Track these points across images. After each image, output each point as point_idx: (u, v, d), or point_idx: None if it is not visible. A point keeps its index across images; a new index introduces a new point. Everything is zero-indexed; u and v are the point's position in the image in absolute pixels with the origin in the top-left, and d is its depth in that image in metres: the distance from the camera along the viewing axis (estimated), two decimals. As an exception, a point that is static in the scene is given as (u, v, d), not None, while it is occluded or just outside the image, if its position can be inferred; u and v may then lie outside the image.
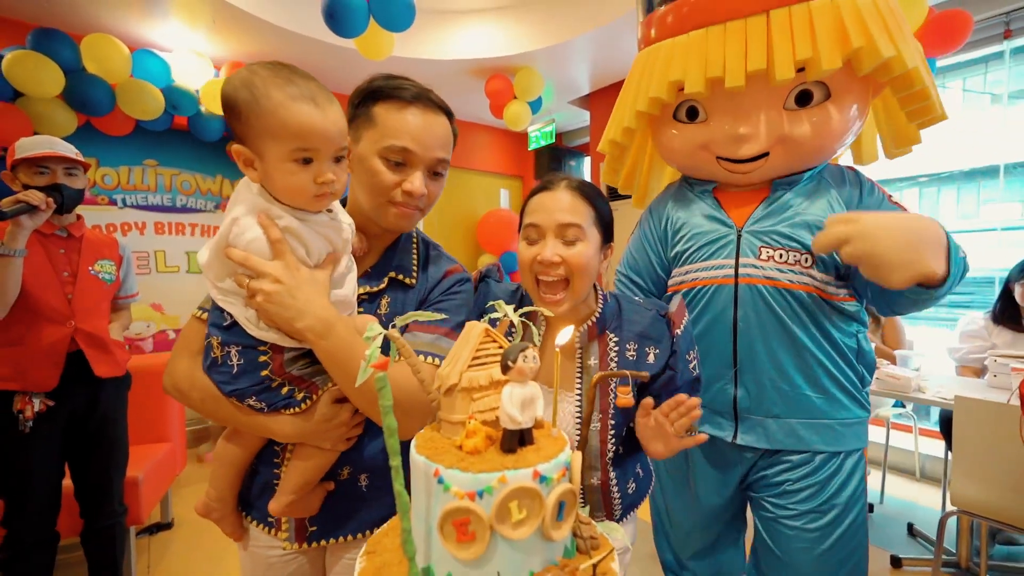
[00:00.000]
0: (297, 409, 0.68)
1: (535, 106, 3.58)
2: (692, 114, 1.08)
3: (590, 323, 0.86)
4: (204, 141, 3.16)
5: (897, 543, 2.08)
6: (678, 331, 0.87)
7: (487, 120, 4.42)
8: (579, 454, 0.46)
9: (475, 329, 0.50)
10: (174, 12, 2.62)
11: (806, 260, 0.99)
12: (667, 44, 1.07)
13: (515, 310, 0.55)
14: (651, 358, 0.85)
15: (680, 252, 1.12)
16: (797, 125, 0.99)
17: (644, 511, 0.92)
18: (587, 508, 0.60)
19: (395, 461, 0.40)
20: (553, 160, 4.99)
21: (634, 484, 0.90)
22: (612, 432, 0.84)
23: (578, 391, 0.84)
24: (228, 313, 0.65)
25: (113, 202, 3.07)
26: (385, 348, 0.59)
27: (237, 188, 0.66)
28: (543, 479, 0.40)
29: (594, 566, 0.44)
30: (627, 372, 0.54)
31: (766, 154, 1.02)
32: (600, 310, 0.87)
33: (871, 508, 2.30)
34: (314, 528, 0.75)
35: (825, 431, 1.01)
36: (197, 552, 2.09)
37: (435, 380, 0.49)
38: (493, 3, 3.15)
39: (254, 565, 0.80)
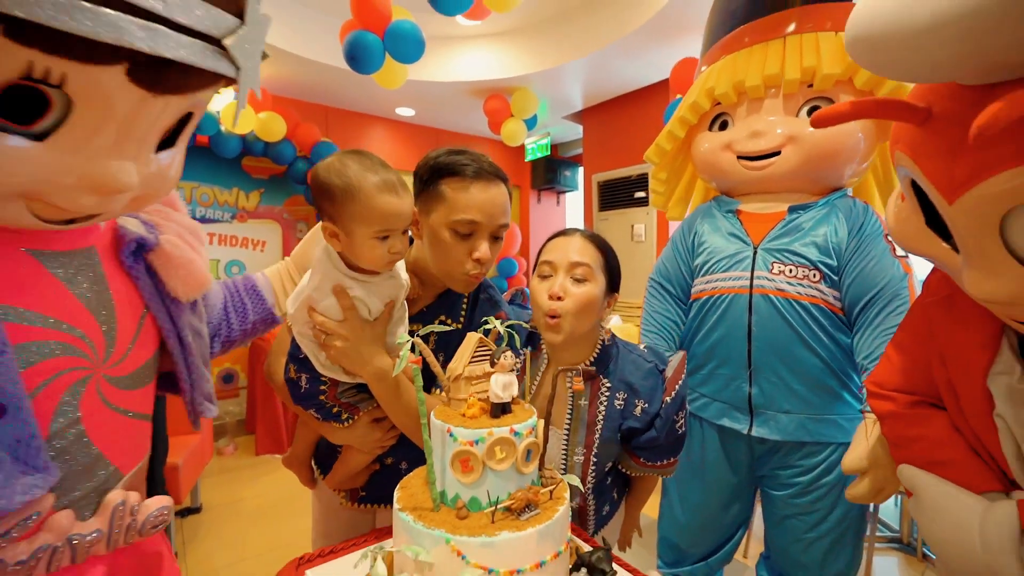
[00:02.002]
0: (342, 425, 0.90)
1: (530, 123, 3.82)
2: (723, 127, 1.28)
3: (586, 363, 0.94)
4: (222, 157, 3.41)
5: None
6: (668, 398, 0.91)
7: (486, 133, 4.66)
8: (542, 421, 0.70)
9: (473, 337, 0.73)
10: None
11: (814, 275, 1.11)
12: (708, 69, 1.31)
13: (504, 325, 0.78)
14: (638, 411, 0.91)
15: (702, 263, 1.26)
16: (805, 127, 1.13)
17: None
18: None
19: (423, 420, 0.64)
20: (548, 170, 5.22)
21: (608, 507, 1.01)
22: (593, 466, 0.93)
23: (566, 429, 0.93)
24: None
25: (138, 214, 3.31)
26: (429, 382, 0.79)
27: (318, 255, 0.83)
28: (516, 433, 0.64)
29: (550, 491, 0.67)
30: (580, 367, 0.76)
31: (779, 151, 1.16)
32: (596, 355, 0.94)
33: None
34: (363, 494, 0.99)
35: (830, 424, 1.14)
36: (223, 535, 2.32)
37: (447, 373, 0.72)
38: (491, 30, 3.39)
39: (321, 507, 1.06)
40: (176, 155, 0.56)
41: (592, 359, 0.94)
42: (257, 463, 3.10)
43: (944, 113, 0.50)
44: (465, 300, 0.98)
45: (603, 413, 0.92)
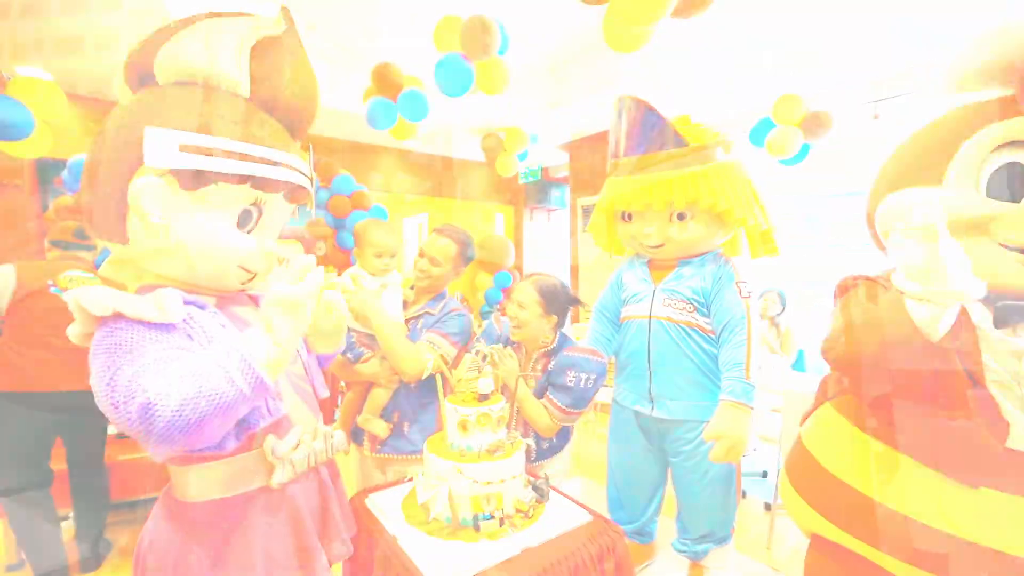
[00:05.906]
0: (366, 360, 1.55)
1: (522, 156, 4.35)
2: (629, 218, 1.77)
3: (541, 351, 1.61)
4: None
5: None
6: (594, 361, 1.56)
7: (481, 159, 5.20)
8: (508, 404, 1.24)
9: (468, 357, 1.28)
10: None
11: (689, 307, 1.62)
12: (614, 181, 1.78)
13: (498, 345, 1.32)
14: (569, 379, 1.51)
15: (624, 297, 1.78)
16: (675, 231, 1.62)
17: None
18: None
19: (441, 402, 1.18)
20: (540, 191, 5.78)
21: (546, 444, 1.59)
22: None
23: (534, 388, 1.59)
24: None
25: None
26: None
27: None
28: (492, 411, 1.18)
29: (511, 443, 1.21)
30: (523, 374, 1.31)
31: (663, 245, 1.66)
32: (551, 346, 1.60)
33: (765, 474, 3.03)
34: (380, 446, 1.56)
35: (702, 409, 1.58)
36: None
37: (453, 377, 1.26)
38: (487, 80, 3.94)
39: (357, 464, 1.64)
40: None
41: (546, 350, 1.61)
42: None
43: None
44: (442, 302, 1.65)
45: (547, 377, 1.57)
